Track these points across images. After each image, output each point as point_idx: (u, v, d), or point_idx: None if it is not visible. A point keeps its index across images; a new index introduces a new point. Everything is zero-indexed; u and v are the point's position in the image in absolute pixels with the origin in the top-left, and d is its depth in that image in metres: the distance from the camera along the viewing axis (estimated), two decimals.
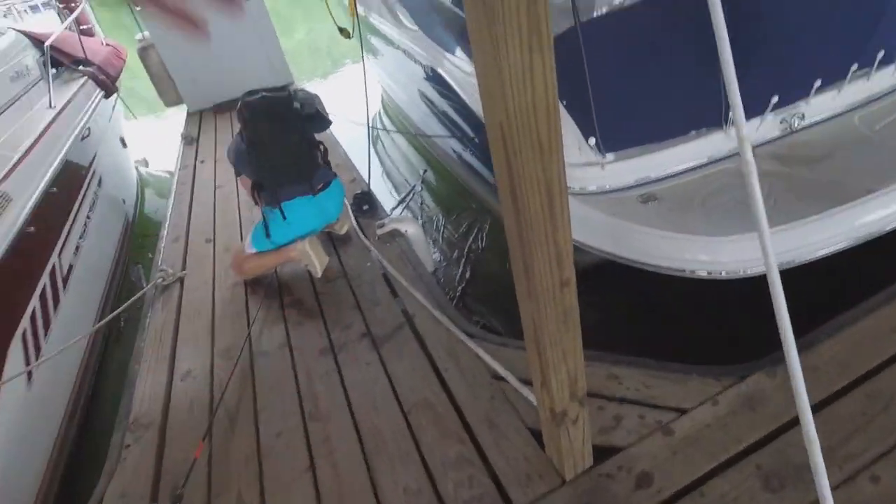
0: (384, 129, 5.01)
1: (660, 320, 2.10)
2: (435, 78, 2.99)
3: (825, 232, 1.58)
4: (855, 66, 1.94)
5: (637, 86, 1.91)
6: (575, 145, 1.92)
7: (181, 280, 2.63)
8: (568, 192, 0.86)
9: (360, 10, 4.42)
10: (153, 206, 4.86)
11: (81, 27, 5.20)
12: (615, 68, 1.92)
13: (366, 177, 3.11)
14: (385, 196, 3.80)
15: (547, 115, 0.75)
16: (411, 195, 3.54)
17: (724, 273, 1.62)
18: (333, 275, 2.40)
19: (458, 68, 2.67)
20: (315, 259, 2.32)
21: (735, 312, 1.91)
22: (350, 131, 3.82)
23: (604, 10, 2.00)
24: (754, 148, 1.94)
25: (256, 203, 2.39)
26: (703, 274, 1.65)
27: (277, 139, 2.25)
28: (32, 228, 2.29)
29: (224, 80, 5.36)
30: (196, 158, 4.27)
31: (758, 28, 1.81)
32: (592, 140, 1.89)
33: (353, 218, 2.71)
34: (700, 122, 1.92)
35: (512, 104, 0.72)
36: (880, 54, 1.94)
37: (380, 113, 5.87)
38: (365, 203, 2.79)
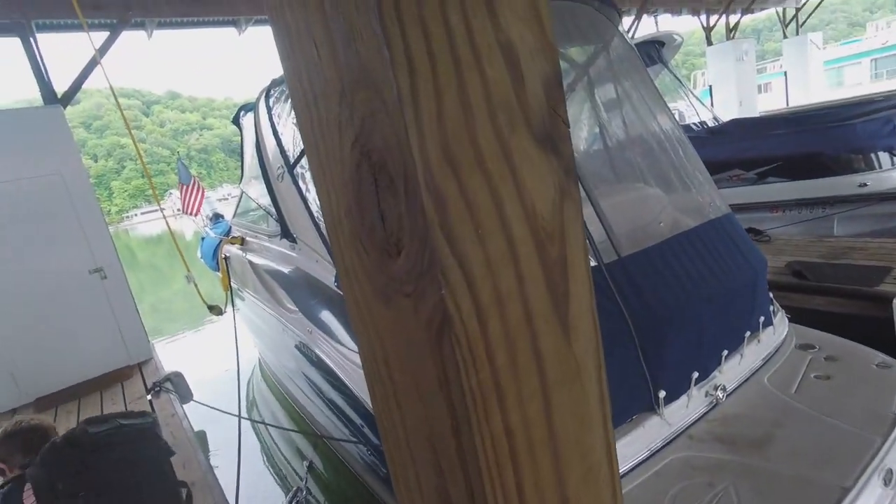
0: (260, 420, 4.37)
1: None
2: (319, 364, 2.65)
3: None
4: (748, 333, 2.11)
5: None
6: None
7: None
8: None
9: (234, 284, 4.22)
10: None
11: None
12: None
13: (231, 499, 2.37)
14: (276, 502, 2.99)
15: None
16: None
17: None
18: None
19: (345, 357, 2.37)
20: None
21: None
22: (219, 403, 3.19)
23: None
24: (691, 427, 1.80)
25: None
26: None
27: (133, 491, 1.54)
28: None
29: (57, 364, 4.53)
30: None
31: (670, 315, 1.87)
32: None
33: None
34: (634, 408, 1.81)
35: None
36: (762, 319, 2.18)
37: (255, 378, 5.26)
38: None
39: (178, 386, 3.85)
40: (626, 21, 10.71)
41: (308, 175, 2.91)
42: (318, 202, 2.91)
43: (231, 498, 2.38)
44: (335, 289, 2.64)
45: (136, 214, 74.45)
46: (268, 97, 3.30)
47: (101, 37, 4.69)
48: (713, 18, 12.78)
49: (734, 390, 1.99)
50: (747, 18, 13.86)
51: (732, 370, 2.02)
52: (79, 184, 4.62)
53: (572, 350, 0.27)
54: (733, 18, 13.11)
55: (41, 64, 4.53)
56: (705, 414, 1.89)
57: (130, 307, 4.92)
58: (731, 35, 13.25)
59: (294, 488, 2.98)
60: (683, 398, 1.84)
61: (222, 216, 6.77)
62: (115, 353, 4.80)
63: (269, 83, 3.37)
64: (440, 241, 0.22)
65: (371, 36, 0.20)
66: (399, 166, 0.21)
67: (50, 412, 4.18)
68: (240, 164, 4.40)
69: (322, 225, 2.78)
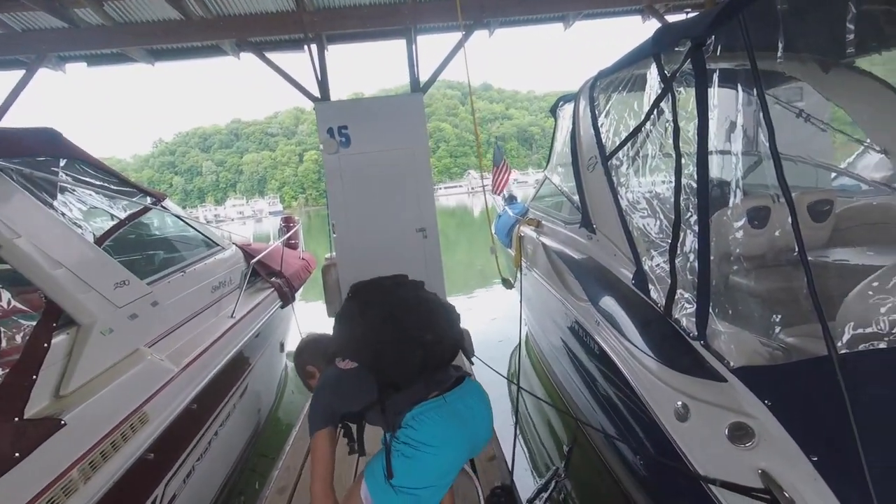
0: (527, 390, 4.62)
1: None
2: (600, 358, 2.64)
3: None
4: None
5: None
6: None
7: None
8: None
9: (524, 264, 4.56)
10: (289, 408, 4.87)
11: (290, 241, 6.23)
12: None
13: (507, 455, 2.62)
14: (521, 472, 3.21)
15: None
16: (553, 486, 2.89)
17: None
18: None
19: (633, 356, 2.29)
20: None
21: None
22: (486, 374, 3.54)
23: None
24: None
25: (380, 423, 1.70)
26: None
27: (426, 320, 1.72)
28: (152, 455, 2.19)
29: None
30: None
31: None
32: None
33: None
34: None
35: None
36: None
37: (520, 352, 5.61)
38: None
39: (466, 341, 4.39)
40: None
41: (622, 168, 2.88)
42: (627, 197, 2.87)
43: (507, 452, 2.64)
44: (631, 286, 2.57)
45: (440, 188, 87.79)
46: (592, 88, 3.37)
47: (455, 37, 5.64)
48: None
49: None
50: None
51: None
52: (421, 157, 5.74)
53: None
54: None
55: (415, 59, 5.79)
56: None
57: (439, 266, 5.90)
58: None
59: (553, 469, 3.10)
60: None
61: (516, 198, 7.39)
62: None
63: (595, 74, 3.44)
64: None
65: None
66: None
67: None
68: (548, 151, 4.67)
69: (629, 219, 2.73)
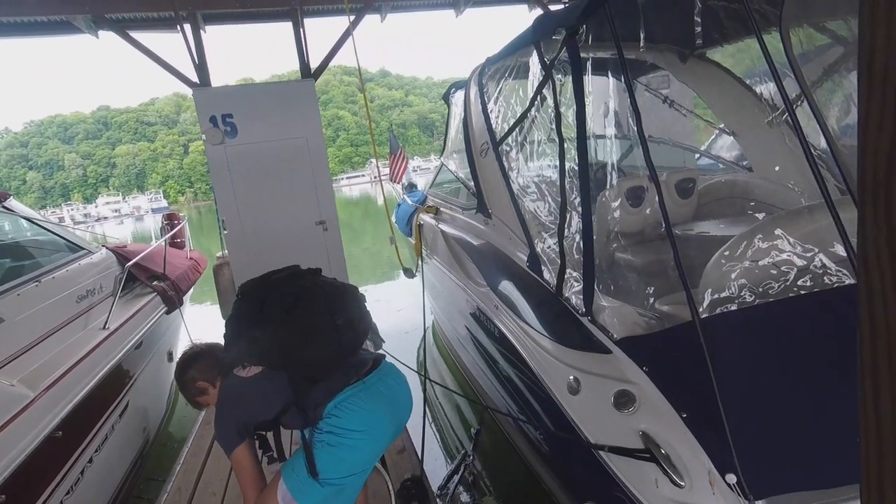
0: (434, 380, 4.66)
1: None
2: (500, 341, 2.72)
3: None
4: None
5: (796, 398, 1.49)
6: (703, 481, 1.42)
7: None
8: None
9: (425, 252, 4.56)
10: (182, 423, 4.49)
11: (175, 240, 5.67)
12: (762, 372, 1.54)
13: (417, 446, 2.62)
14: (433, 461, 3.23)
15: None
16: (463, 469, 2.95)
17: None
18: None
19: (529, 337, 2.38)
20: None
21: None
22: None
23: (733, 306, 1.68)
24: None
25: (286, 426, 1.64)
26: None
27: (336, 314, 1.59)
28: (3, 497, 1.88)
29: None
30: None
31: None
32: (732, 478, 1.39)
33: None
34: None
35: None
36: None
37: (424, 341, 5.65)
38: (413, 499, 2.20)
39: (373, 333, 4.31)
40: None
41: (513, 153, 2.96)
42: (518, 181, 2.96)
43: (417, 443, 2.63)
44: (525, 268, 2.67)
45: (342, 178, 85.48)
46: (481, 75, 3.42)
47: (346, 21, 5.43)
48: None
49: None
50: None
51: None
52: (316, 146, 5.50)
53: None
54: None
55: (304, 44, 5.49)
56: None
57: (341, 259, 5.74)
58: None
59: (462, 452, 3.16)
60: None
61: (416, 185, 7.37)
62: None
63: (483, 61, 3.49)
64: None
65: None
66: None
67: None
68: (443, 138, 4.69)
69: (521, 203, 2.82)
